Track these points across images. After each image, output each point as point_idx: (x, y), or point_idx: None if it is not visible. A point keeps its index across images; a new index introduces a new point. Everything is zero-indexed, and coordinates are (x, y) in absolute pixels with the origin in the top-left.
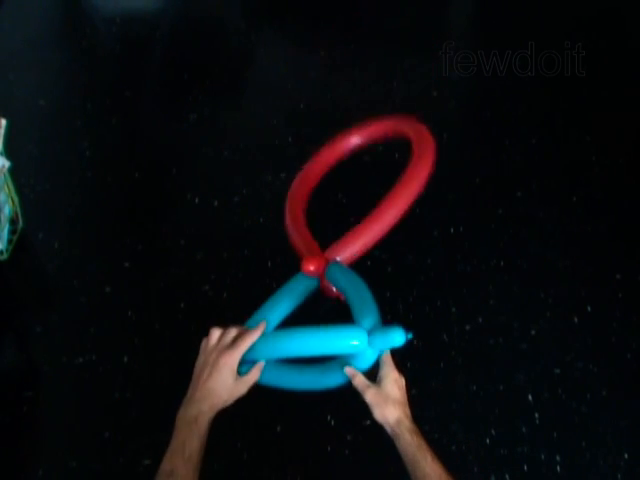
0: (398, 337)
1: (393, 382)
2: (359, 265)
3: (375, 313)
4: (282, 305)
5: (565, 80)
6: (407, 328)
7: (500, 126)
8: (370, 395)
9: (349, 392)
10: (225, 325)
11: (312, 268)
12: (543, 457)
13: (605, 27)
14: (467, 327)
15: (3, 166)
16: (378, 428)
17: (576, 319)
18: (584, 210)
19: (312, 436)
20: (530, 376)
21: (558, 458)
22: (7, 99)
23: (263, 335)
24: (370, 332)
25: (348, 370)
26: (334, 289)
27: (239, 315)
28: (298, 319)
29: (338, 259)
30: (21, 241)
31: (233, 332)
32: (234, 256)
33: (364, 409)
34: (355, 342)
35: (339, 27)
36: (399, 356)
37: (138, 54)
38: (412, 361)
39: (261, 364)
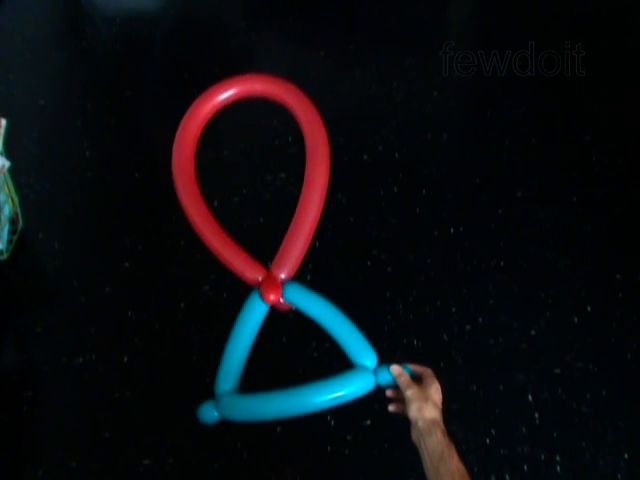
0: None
1: (436, 390)
2: (359, 265)
3: (367, 344)
4: (247, 339)
5: (565, 80)
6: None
7: (500, 126)
8: (412, 391)
9: None
10: None
11: (273, 297)
12: (543, 457)
13: (605, 27)
14: (467, 327)
15: (3, 166)
16: (378, 428)
17: (576, 319)
18: (584, 210)
19: (312, 436)
20: (530, 376)
21: (558, 458)
22: (7, 99)
23: (270, 395)
24: (376, 371)
25: (394, 368)
26: (283, 302)
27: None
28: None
29: (284, 275)
30: (21, 241)
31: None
32: None
33: (364, 409)
34: (365, 386)
35: (339, 27)
36: (399, 356)
37: (138, 54)
38: (412, 361)
39: None
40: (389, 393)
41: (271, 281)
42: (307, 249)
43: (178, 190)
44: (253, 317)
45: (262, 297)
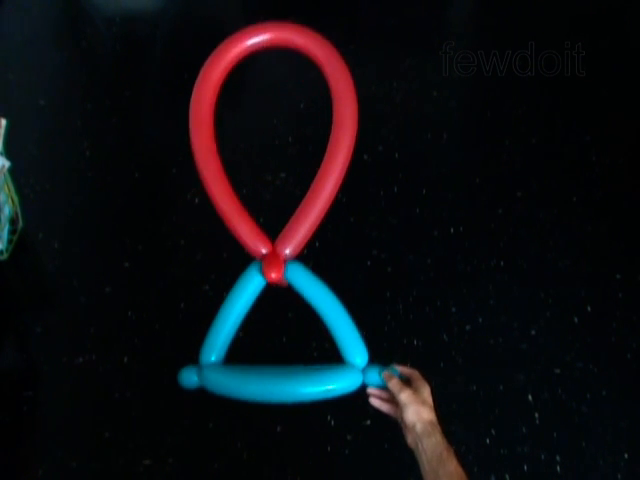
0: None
1: (428, 393)
2: (359, 265)
3: (360, 341)
4: (239, 310)
5: (565, 80)
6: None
7: (500, 126)
8: (406, 395)
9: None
10: None
11: (274, 275)
12: (543, 457)
13: (605, 27)
14: (467, 327)
15: (3, 166)
16: (378, 428)
17: (576, 319)
18: (584, 210)
19: (312, 436)
20: (530, 376)
21: (558, 458)
22: (7, 99)
23: (253, 373)
24: (365, 370)
25: (385, 374)
26: (283, 281)
27: None
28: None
29: (289, 251)
30: (21, 241)
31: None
32: (234, 256)
33: (364, 409)
34: (351, 384)
35: (339, 27)
36: (399, 356)
37: (138, 54)
38: (412, 361)
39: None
40: (371, 391)
41: (274, 257)
42: (317, 226)
43: (193, 142)
44: (248, 290)
45: (262, 272)
